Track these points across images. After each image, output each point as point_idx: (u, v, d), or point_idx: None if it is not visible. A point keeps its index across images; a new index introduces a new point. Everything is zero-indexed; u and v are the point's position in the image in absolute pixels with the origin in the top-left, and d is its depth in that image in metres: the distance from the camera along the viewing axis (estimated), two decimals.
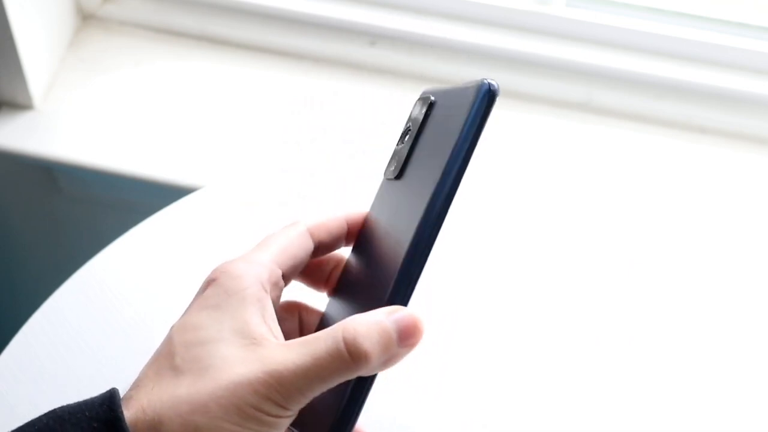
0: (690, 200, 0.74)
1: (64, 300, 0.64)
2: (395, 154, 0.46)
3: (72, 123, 0.93)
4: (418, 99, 0.47)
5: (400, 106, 0.95)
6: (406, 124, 0.47)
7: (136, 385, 0.39)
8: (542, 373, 0.63)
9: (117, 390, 0.39)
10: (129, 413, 0.38)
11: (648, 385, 0.63)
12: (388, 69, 0.98)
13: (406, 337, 0.39)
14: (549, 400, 0.62)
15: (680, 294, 0.68)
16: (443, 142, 0.43)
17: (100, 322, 0.63)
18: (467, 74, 0.96)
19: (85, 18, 1.00)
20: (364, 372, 0.39)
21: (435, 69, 0.97)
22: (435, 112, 0.45)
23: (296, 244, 0.45)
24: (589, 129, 0.94)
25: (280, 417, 0.38)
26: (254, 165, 0.90)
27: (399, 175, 0.45)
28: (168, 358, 0.40)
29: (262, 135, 0.93)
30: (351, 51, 0.98)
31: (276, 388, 0.38)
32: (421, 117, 0.45)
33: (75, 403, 0.38)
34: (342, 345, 0.38)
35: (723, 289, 0.68)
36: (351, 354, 0.38)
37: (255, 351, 0.39)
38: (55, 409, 0.38)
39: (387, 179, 0.47)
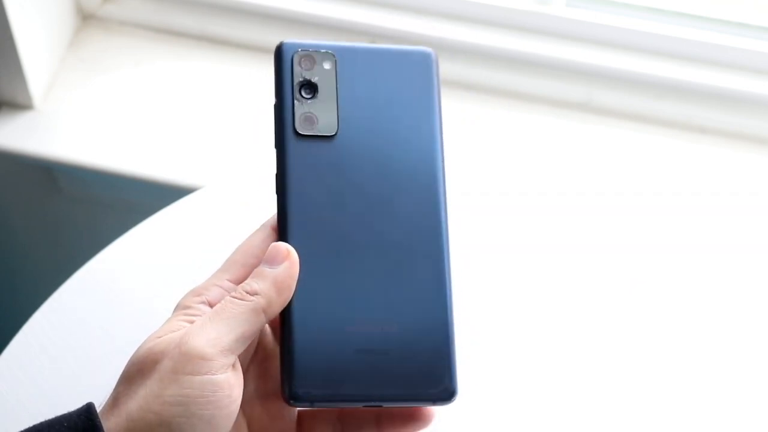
0: (690, 200, 0.74)
1: (64, 300, 0.64)
2: (306, 108, 0.47)
3: (72, 123, 0.93)
4: (304, 52, 0.47)
5: None
6: (298, 77, 0.47)
7: (118, 394, 0.42)
8: (544, 375, 0.63)
9: (92, 402, 0.42)
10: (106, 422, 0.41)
11: (647, 386, 0.63)
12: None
13: (270, 259, 0.44)
14: (551, 401, 0.62)
15: (680, 294, 0.68)
16: (410, 108, 0.48)
17: (100, 322, 0.63)
18: (468, 74, 0.96)
19: (85, 18, 1.00)
20: (264, 303, 0.43)
21: None
22: (351, 70, 0.48)
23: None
24: (589, 129, 0.94)
25: (206, 374, 0.41)
26: (254, 165, 0.90)
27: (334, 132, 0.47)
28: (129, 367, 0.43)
29: (262, 135, 0.92)
30: None
31: (185, 346, 0.41)
32: (332, 74, 0.47)
33: (53, 417, 0.41)
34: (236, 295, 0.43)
35: (723, 289, 0.68)
36: (242, 296, 0.43)
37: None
38: (34, 425, 0.41)
39: (308, 135, 0.47)
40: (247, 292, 0.43)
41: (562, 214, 0.72)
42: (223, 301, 0.43)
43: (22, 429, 0.41)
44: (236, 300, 0.43)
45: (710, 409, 0.62)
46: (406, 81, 0.48)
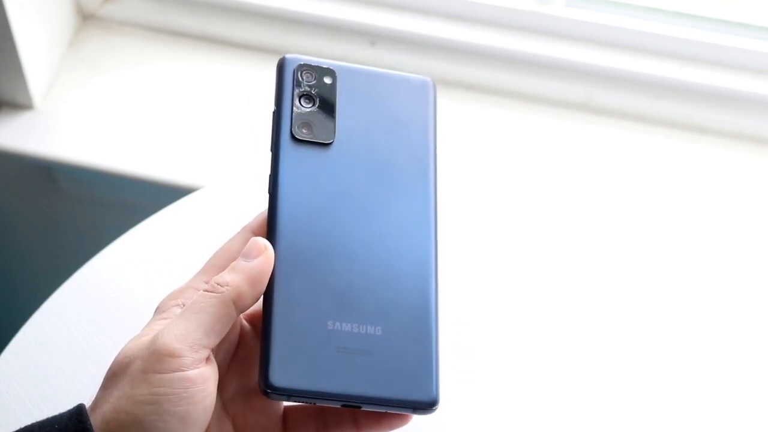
0: (690, 200, 0.74)
1: (64, 300, 0.64)
2: (304, 116, 0.48)
3: (72, 123, 0.93)
4: (306, 66, 0.50)
5: None
6: (299, 87, 0.49)
7: (97, 399, 0.43)
8: (543, 375, 0.63)
9: (83, 404, 0.42)
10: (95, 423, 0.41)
11: (647, 387, 0.63)
12: (388, 69, 0.97)
13: (246, 253, 0.44)
14: (550, 402, 0.62)
15: (680, 294, 0.68)
16: (408, 130, 0.49)
17: (100, 322, 0.64)
18: (468, 74, 0.96)
19: (85, 18, 1.00)
20: (234, 294, 0.43)
21: (435, 69, 0.97)
22: (350, 87, 0.50)
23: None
24: (589, 129, 0.94)
25: (178, 371, 0.41)
26: (254, 165, 0.90)
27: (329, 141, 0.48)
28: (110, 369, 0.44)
29: (262, 135, 0.92)
30: (351, 51, 0.98)
31: (155, 347, 0.41)
32: (333, 88, 0.50)
33: (45, 419, 0.42)
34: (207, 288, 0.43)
35: (723, 289, 0.68)
36: (213, 289, 0.43)
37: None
38: (26, 426, 0.41)
39: (304, 140, 0.48)
40: (218, 284, 0.43)
41: (562, 215, 0.72)
42: (195, 296, 0.44)
43: (14, 430, 0.41)
44: (206, 293, 0.43)
45: (709, 409, 0.62)
46: (404, 104, 0.50)
